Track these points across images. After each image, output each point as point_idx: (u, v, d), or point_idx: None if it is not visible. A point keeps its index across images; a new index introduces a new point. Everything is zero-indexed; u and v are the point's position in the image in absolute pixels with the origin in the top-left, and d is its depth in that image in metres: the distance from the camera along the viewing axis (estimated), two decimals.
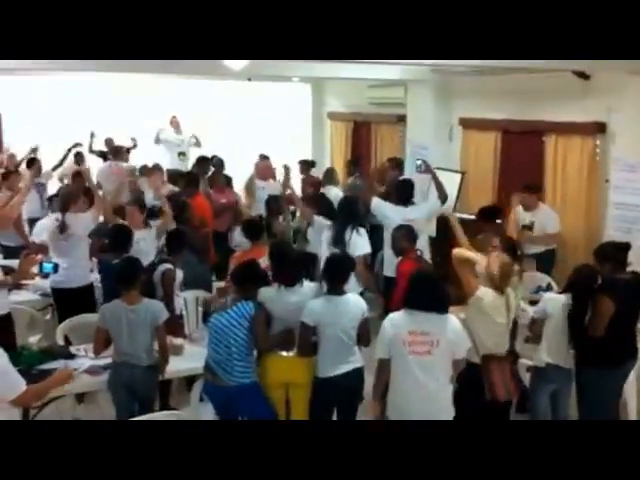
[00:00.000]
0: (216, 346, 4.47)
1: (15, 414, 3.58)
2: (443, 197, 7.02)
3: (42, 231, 6.90)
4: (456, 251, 4.70)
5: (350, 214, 6.38)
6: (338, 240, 6.14)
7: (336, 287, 4.54)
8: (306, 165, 10.26)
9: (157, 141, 11.85)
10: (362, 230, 6.33)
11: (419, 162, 7.61)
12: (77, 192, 6.56)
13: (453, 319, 4.11)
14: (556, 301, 4.81)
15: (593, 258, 5.03)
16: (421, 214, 6.82)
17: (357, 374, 4.56)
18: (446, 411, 4.07)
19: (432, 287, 4.14)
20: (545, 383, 4.88)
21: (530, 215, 7.16)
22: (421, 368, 3.96)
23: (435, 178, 7.18)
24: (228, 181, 9.13)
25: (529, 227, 7.13)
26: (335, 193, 8.35)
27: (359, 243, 6.19)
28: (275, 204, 7.37)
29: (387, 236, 6.53)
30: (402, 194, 6.96)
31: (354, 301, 4.58)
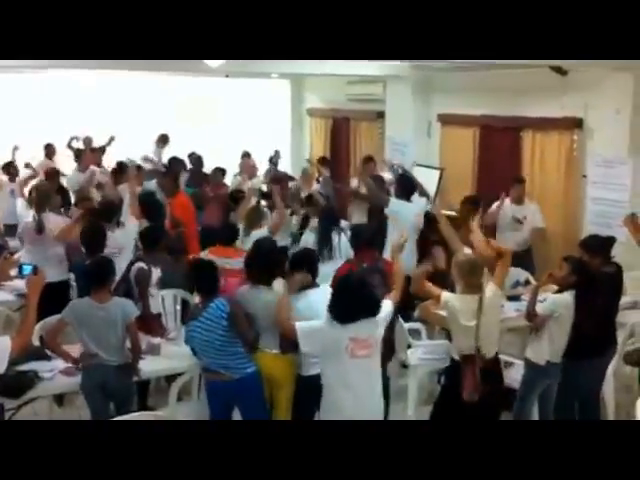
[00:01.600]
0: (205, 352, 4.43)
1: None
2: (425, 195, 7.20)
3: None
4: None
5: (334, 218, 6.43)
6: (324, 244, 6.12)
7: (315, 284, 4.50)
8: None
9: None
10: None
11: (395, 166, 7.76)
12: (52, 191, 6.49)
13: (385, 304, 4.06)
14: (566, 302, 4.72)
15: (581, 251, 5.06)
16: (421, 210, 6.93)
17: None
18: (379, 406, 4.07)
19: (357, 295, 3.95)
20: (542, 380, 4.87)
21: (520, 209, 7.18)
22: (360, 369, 3.91)
23: (412, 179, 7.37)
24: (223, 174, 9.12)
25: (520, 221, 7.14)
26: None
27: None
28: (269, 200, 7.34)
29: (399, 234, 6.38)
30: (406, 189, 7.06)
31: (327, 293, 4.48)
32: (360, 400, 3.94)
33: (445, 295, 4.41)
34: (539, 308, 4.81)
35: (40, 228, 6.00)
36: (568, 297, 4.73)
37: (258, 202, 7.61)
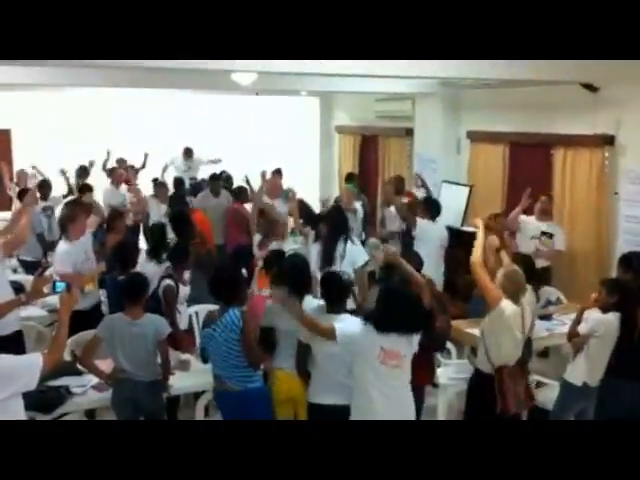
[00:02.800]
0: (215, 357, 4.45)
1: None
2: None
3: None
4: (476, 258, 4.62)
5: (342, 225, 6.12)
6: (328, 255, 5.89)
7: (334, 306, 4.41)
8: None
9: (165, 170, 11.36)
10: (356, 239, 6.26)
11: (416, 176, 7.78)
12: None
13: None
14: (608, 323, 4.66)
15: (620, 269, 5.01)
16: (445, 230, 7.26)
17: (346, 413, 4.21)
18: (409, 410, 4.13)
19: (399, 309, 4.01)
20: (577, 401, 4.80)
21: (547, 225, 7.10)
22: (390, 376, 4.01)
23: (427, 191, 7.80)
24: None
25: (549, 235, 7.04)
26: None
27: (357, 253, 5.96)
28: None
29: (426, 253, 5.99)
30: (435, 210, 7.29)
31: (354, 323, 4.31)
32: (391, 402, 4.01)
33: (505, 302, 4.40)
34: (580, 328, 4.76)
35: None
36: (612, 317, 4.66)
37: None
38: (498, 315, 4.40)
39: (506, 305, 4.39)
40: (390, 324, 3.96)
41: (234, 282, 4.53)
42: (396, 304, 4.03)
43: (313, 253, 6.07)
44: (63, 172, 9.70)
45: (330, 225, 6.08)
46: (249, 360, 4.34)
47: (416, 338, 4.09)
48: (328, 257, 5.87)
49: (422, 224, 7.10)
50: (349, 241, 5.96)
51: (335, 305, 4.40)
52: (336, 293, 4.45)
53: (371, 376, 4.00)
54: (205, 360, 4.65)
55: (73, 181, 9.83)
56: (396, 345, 3.99)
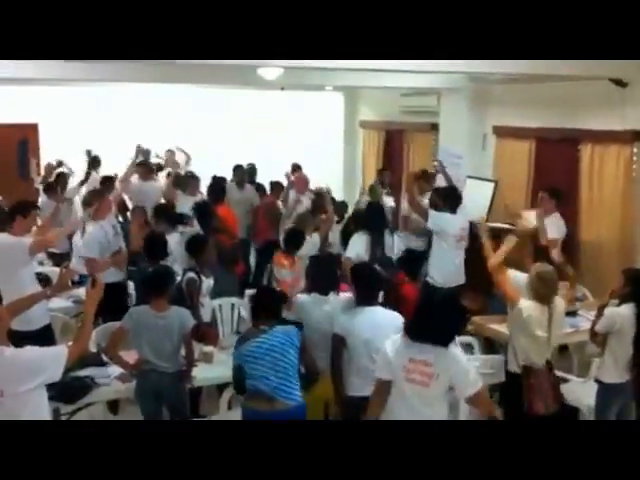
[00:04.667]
0: (271, 370, 4.14)
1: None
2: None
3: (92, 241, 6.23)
4: (493, 260, 4.61)
5: (383, 219, 6.63)
6: (376, 246, 6.36)
7: (366, 298, 4.41)
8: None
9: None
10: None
11: (435, 163, 7.66)
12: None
13: (458, 356, 3.72)
14: (624, 316, 4.60)
15: None
16: (466, 223, 6.70)
17: None
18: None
19: (437, 318, 3.71)
20: (616, 398, 4.73)
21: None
22: (417, 396, 3.66)
23: (447, 179, 7.55)
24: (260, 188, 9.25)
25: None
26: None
27: (398, 244, 6.65)
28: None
29: (445, 246, 6.50)
30: (454, 202, 6.73)
31: (388, 315, 4.35)
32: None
33: (524, 303, 4.36)
34: (598, 326, 4.72)
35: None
36: (626, 309, 4.61)
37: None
38: (517, 315, 4.37)
39: (525, 306, 4.34)
40: (423, 332, 3.67)
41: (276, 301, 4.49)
42: (433, 312, 3.76)
43: (358, 244, 6.40)
44: (89, 152, 10.09)
45: (373, 220, 6.58)
46: (311, 372, 4.33)
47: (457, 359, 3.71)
48: (380, 249, 6.35)
49: (435, 216, 6.62)
50: (394, 234, 6.57)
51: (367, 298, 4.40)
52: (369, 285, 4.44)
53: (398, 394, 3.72)
54: (241, 389, 4.33)
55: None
56: (426, 355, 3.63)
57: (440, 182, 8.07)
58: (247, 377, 4.19)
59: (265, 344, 4.15)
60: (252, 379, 4.16)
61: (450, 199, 6.75)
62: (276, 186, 9.14)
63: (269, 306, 4.37)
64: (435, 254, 6.60)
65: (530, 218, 6.80)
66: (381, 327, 4.23)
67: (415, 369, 3.63)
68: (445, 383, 3.66)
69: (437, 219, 6.58)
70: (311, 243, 6.63)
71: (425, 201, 7.65)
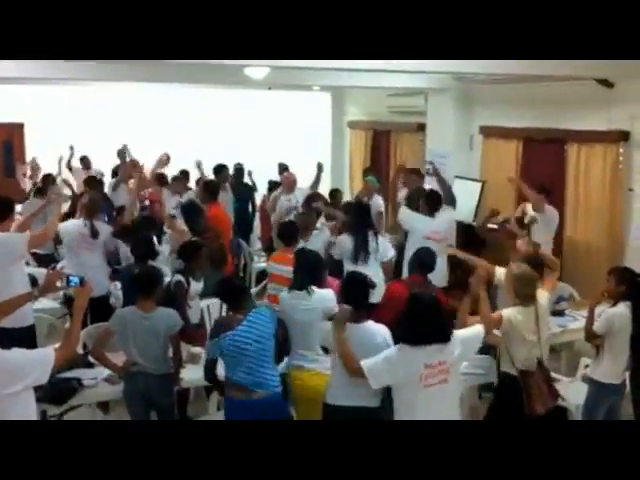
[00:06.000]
0: (248, 358, 4.15)
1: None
2: (451, 200, 7.04)
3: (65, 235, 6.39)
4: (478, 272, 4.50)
5: (369, 219, 6.41)
6: (361, 249, 6.11)
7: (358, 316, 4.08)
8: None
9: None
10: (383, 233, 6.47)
11: (428, 166, 7.63)
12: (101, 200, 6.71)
13: (458, 335, 3.81)
14: (621, 315, 4.61)
15: None
16: (444, 225, 6.67)
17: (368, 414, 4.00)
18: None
19: (432, 317, 3.75)
20: (606, 397, 4.75)
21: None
22: (436, 397, 3.68)
23: (442, 181, 7.29)
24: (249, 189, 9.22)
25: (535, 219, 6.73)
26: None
27: (387, 246, 6.36)
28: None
29: (411, 246, 6.34)
30: (431, 204, 6.68)
31: (375, 331, 4.10)
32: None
33: (506, 313, 4.32)
34: (596, 328, 4.70)
35: (95, 233, 6.22)
36: (623, 308, 4.62)
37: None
38: (506, 326, 4.30)
39: (509, 314, 4.30)
40: (425, 334, 3.69)
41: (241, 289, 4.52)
42: (424, 312, 3.77)
43: (344, 244, 6.22)
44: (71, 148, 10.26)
45: (358, 220, 6.32)
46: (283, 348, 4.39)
47: (459, 342, 3.78)
48: (363, 252, 6.12)
49: (405, 213, 6.70)
50: (379, 235, 6.33)
51: (357, 310, 4.06)
52: (359, 296, 4.15)
53: (416, 403, 3.68)
54: (213, 378, 4.38)
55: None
56: (438, 356, 3.68)
57: (430, 184, 8.06)
58: (227, 368, 4.22)
59: (248, 337, 4.15)
60: (232, 370, 4.19)
61: (429, 202, 6.73)
62: (276, 186, 9.12)
63: (237, 296, 4.37)
64: (408, 253, 6.51)
65: (529, 212, 6.95)
66: (369, 346, 3.98)
67: (431, 373, 3.66)
68: (458, 365, 3.83)
69: (406, 216, 6.73)
70: (320, 237, 6.55)
71: (401, 194, 7.72)
